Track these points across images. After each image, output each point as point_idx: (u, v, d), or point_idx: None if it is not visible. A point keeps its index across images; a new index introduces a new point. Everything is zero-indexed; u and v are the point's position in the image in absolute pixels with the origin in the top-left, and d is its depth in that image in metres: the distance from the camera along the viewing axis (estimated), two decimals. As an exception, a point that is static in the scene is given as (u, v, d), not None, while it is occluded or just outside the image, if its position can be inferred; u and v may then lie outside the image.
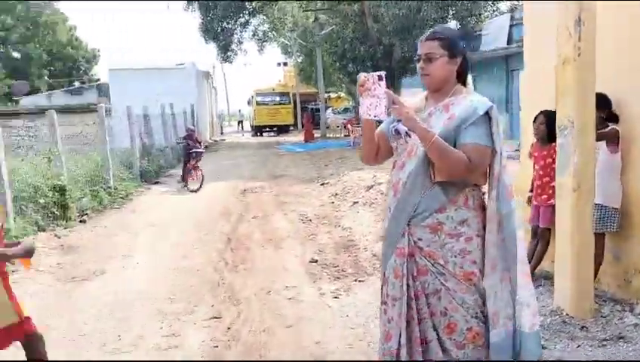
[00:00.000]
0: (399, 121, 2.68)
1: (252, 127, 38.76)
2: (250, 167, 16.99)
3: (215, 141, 32.10)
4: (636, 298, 4.33)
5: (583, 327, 3.96)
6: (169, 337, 4.34)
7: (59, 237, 7.90)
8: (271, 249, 7.06)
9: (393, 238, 2.72)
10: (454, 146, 2.55)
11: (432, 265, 2.61)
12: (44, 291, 5.61)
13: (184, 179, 12.75)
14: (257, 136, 36.86)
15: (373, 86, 2.65)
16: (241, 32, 31.19)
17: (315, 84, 34.71)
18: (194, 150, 12.74)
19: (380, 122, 2.90)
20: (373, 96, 2.65)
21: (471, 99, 2.65)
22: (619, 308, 4.29)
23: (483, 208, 2.66)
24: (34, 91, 32.07)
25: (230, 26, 30.63)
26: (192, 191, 12.22)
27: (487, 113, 2.58)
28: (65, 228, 8.47)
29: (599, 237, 4.37)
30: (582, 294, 4.07)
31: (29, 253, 3.08)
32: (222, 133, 42.25)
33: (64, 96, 27.37)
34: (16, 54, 37.97)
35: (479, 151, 2.54)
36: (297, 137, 30.71)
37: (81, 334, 4.46)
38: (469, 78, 2.84)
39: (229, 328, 4.48)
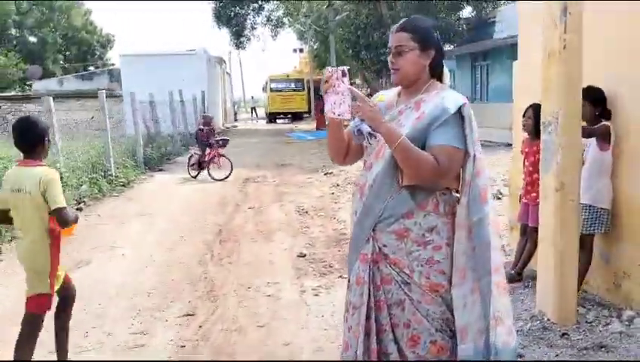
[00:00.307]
0: (363, 120, 2.50)
1: (266, 113, 38.67)
2: (255, 155, 16.85)
3: (227, 128, 32.03)
4: (625, 303, 4.13)
5: (563, 334, 3.77)
6: (137, 335, 4.22)
7: (51, 226, 7.83)
8: (261, 241, 6.93)
9: (358, 243, 2.54)
10: (423, 148, 2.36)
11: (397, 273, 2.43)
12: (21, 283, 5.51)
13: (201, 167, 12.32)
14: (271, 122, 36.76)
15: (337, 82, 2.47)
16: (254, 17, 31.00)
17: (330, 70, 34.35)
18: (221, 138, 12.54)
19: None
20: (337, 93, 2.46)
21: (442, 96, 2.44)
22: (606, 313, 4.09)
23: (455, 214, 2.46)
24: (48, 75, 32.24)
25: (243, 12, 30.46)
26: (217, 179, 11.86)
27: (459, 112, 2.39)
28: (59, 217, 8.41)
29: (587, 239, 4.17)
30: (564, 299, 3.87)
31: (74, 220, 3.31)
32: (236, 120, 42.21)
33: (76, 81, 27.40)
34: (32, 38, 38.19)
35: (449, 153, 2.35)
36: (311, 125, 30.56)
37: (47, 331, 4.34)
38: (446, 72, 2.64)
39: (200, 326, 4.35)
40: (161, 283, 5.41)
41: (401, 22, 2.56)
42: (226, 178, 11.91)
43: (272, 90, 36.39)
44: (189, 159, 12.86)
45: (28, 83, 28.94)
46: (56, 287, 3.36)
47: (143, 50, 27.15)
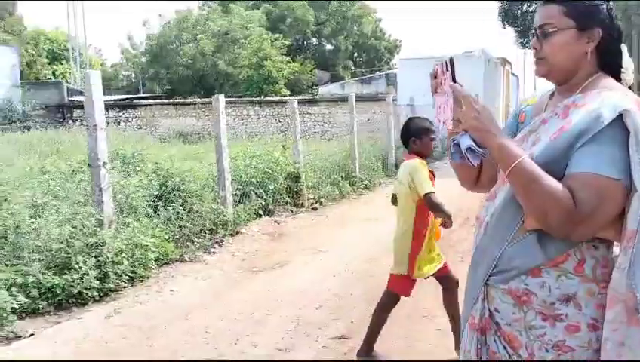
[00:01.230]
0: (466, 131, 1.81)
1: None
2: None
3: (504, 132, 30.54)
4: None
5: None
6: (278, 352, 3.97)
7: (278, 223, 8.15)
8: (468, 260, 6.13)
9: (469, 298, 1.85)
10: (561, 177, 1.58)
11: (510, 356, 1.69)
12: (216, 279, 5.74)
13: None
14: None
15: (443, 78, 1.85)
16: (542, 13, 29.09)
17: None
18: None
19: None
20: (444, 94, 1.85)
21: (602, 98, 1.61)
22: None
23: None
24: (339, 80, 34.75)
25: (531, 9, 28.79)
26: None
27: (620, 121, 1.55)
28: (290, 215, 8.71)
29: None
30: None
31: (440, 208, 3.46)
32: (520, 124, 40.19)
33: (356, 85, 28.90)
34: (328, 46, 41.68)
35: (595, 187, 1.53)
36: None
37: (208, 331, 4.38)
38: (627, 62, 1.76)
39: (345, 353, 3.93)
40: (337, 296, 5.11)
41: None
42: None
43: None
44: None
45: (316, 87, 31.59)
46: (418, 274, 3.57)
47: (419, 54, 27.34)
